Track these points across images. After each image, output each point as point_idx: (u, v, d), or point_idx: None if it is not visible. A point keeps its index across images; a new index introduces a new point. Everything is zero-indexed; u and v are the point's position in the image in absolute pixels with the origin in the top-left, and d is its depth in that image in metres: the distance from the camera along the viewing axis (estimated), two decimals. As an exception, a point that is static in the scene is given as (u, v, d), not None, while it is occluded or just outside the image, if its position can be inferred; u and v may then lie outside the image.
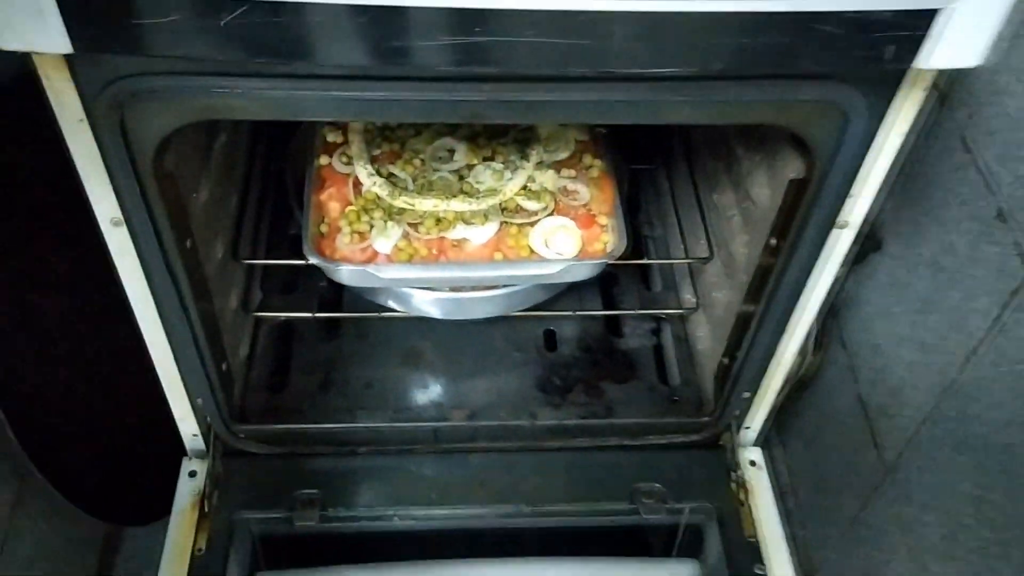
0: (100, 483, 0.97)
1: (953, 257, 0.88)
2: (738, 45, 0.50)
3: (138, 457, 1.00)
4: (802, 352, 1.10)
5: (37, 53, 0.51)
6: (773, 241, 0.73)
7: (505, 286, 0.86)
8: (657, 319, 1.00)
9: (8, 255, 0.87)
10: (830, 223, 0.69)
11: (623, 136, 0.96)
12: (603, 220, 0.84)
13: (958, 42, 0.51)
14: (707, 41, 0.49)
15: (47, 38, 0.48)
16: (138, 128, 0.58)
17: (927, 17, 0.50)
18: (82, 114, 0.57)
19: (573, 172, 0.87)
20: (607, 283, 1.03)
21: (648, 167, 1.04)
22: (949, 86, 0.88)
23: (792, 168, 0.68)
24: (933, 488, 0.93)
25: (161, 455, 0.93)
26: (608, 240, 0.83)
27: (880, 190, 0.67)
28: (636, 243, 1.05)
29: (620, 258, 0.82)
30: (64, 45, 0.48)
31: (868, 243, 1.04)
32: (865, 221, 1.03)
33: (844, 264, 1.05)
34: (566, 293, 0.98)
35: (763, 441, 0.99)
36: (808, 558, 1.25)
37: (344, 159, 0.87)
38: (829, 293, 0.78)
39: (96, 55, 0.52)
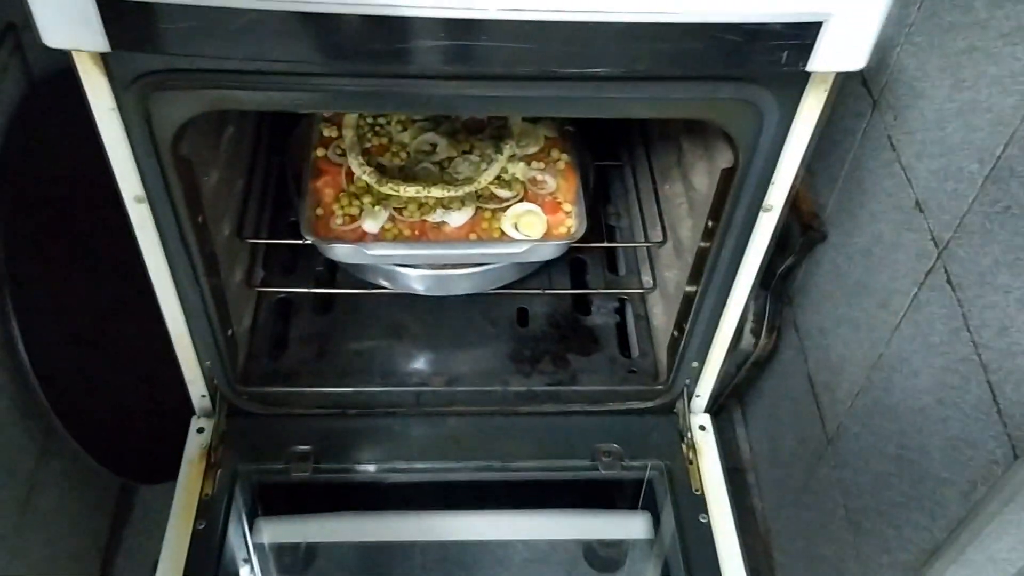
0: (118, 442, 1.08)
1: (881, 244, 0.99)
2: (656, 50, 0.60)
3: (152, 418, 1.11)
4: (754, 333, 1.21)
5: (78, 51, 0.62)
6: (710, 224, 0.83)
7: (480, 265, 0.97)
8: (620, 299, 1.10)
9: (42, 236, 0.98)
10: (756, 207, 0.79)
11: (592, 135, 1.06)
12: (567, 207, 0.95)
13: (841, 49, 0.62)
14: (629, 46, 0.60)
15: (89, 38, 0.58)
16: (160, 116, 0.68)
17: (813, 28, 0.61)
18: (113, 104, 0.67)
19: (542, 164, 0.98)
20: (578, 268, 1.13)
21: (617, 164, 1.15)
22: (880, 92, 0.99)
23: (724, 159, 0.78)
24: (865, 452, 1.03)
25: (173, 418, 1.03)
26: (571, 224, 0.94)
27: (795, 178, 0.77)
28: (608, 232, 1.16)
29: (581, 241, 0.93)
30: (103, 44, 0.59)
31: (816, 235, 1.14)
32: (811, 214, 1.14)
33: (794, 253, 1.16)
34: (538, 275, 1.08)
35: (713, 408, 1.09)
36: (767, 529, 1.35)
37: (338, 151, 0.98)
38: (760, 270, 0.88)
39: (128, 53, 0.62)
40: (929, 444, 0.88)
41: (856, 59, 0.63)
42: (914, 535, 0.91)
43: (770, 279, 1.17)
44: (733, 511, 0.98)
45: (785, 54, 0.62)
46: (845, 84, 1.04)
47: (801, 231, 1.13)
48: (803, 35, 0.61)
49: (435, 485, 1.00)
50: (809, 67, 0.63)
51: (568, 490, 1.02)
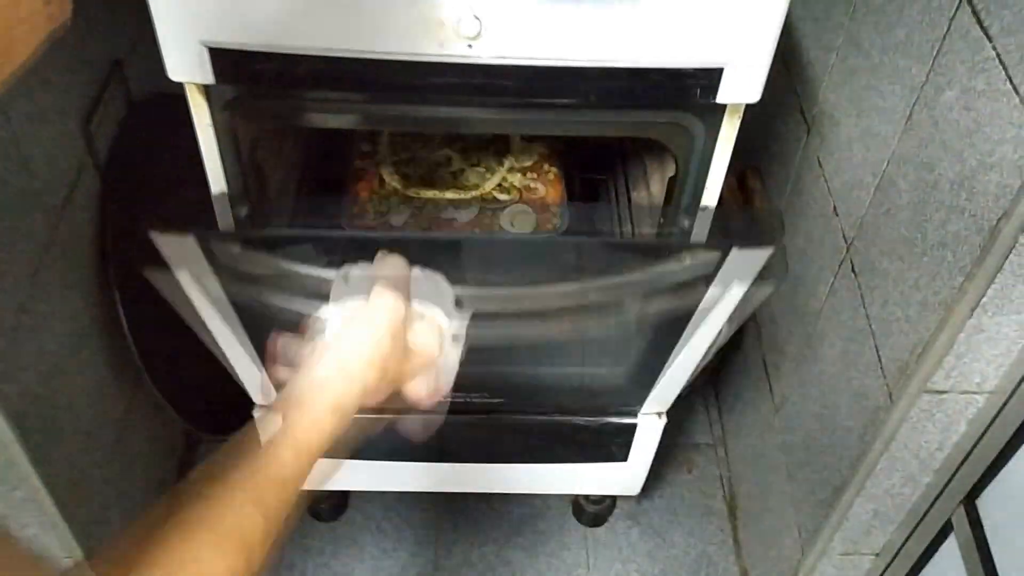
0: (192, 397, 1.31)
1: (811, 243, 1.20)
2: (604, 86, 0.84)
3: (220, 378, 1.34)
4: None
5: (191, 83, 0.86)
6: (661, 220, 1.05)
7: (485, 255, 1.20)
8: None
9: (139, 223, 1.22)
10: (695, 207, 1.01)
11: (581, 154, 1.29)
12: (554, 209, 1.18)
13: (739, 87, 0.84)
14: (583, 84, 0.83)
15: (200, 74, 0.82)
16: (242, 131, 0.92)
17: (717, 72, 0.83)
18: (210, 121, 0.91)
19: (535, 175, 1.21)
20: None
21: (601, 177, 1.38)
22: (812, 120, 1.21)
23: (670, 169, 1.01)
24: (799, 415, 1.24)
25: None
26: (556, 223, 1.17)
27: (723, 184, 0.99)
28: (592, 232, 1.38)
29: (564, 235, 1.16)
30: (210, 79, 0.83)
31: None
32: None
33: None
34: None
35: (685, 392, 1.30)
36: (732, 493, 1.56)
37: (372, 163, 1.22)
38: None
39: (225, 85, 0.86)
40: (839, 401, 1.09)
41: (752, 94, 0.85)
42: (828, 476, 1.12)
43: (731, 276, 1.39)
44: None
45: (698, 90, 0.84)
46: (790, 113, 1.28)
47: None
48: (710, 76, 0.83)
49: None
50: (718, 100, 0.85)
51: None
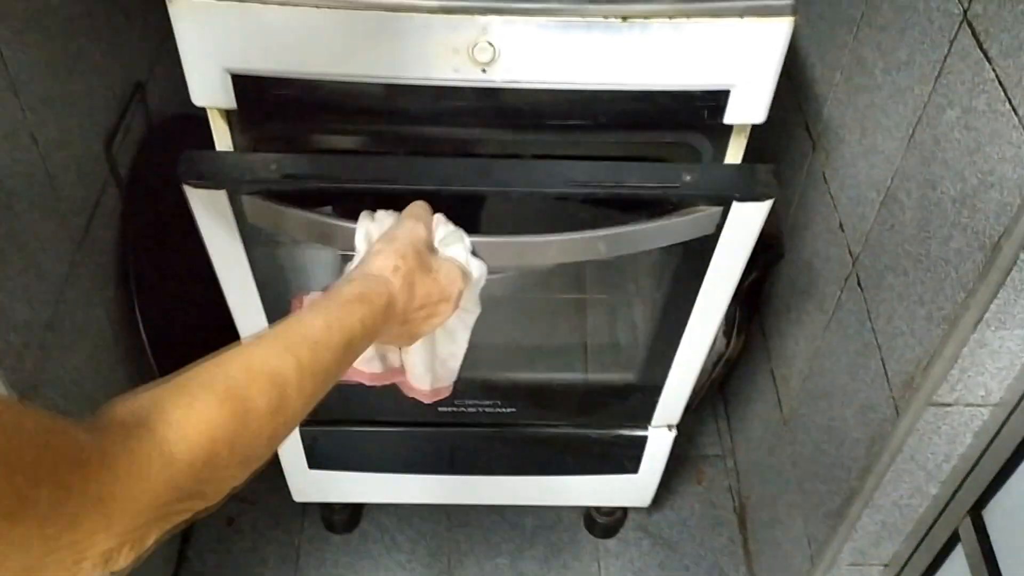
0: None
1: (818, 257, 1.22)
2: (609, 107, 0.86)
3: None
4: (726, 335, 1.44)
5: (214, 108, 0.89)
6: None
7: (495, 273, 1.22)
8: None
9: (160, 237, 1.25)
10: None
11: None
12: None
13: (745, 108, 0.87)
14: (593, 106, 0.86)
15: (224, 100, 0.85)
16: (259, 151, 0.95)
17: (724, 94, 0.86)
18: (230, 143, 0.94)
19: (546, 192, 1.24)
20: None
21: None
22: (817, 137, 1.23)
23: (680, 185, 1.03)
24: (808, 428, 1.25)
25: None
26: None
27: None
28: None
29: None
30: (232, 104, 0.86)
31: (774, 253, 1.38)
32: (771, 235, 1.38)
33: (758, 268, 1.40)
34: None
35: (692, 405, 1.33)
36: (741, 505, 1.58)
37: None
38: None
39: (246, 111, 0.89)
40: (847, 413, 1.11)
41: (757, 115, 0.87)
42: (837, 487, 1.13)
43: (738, 291, 1.41)
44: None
45: (706, 112, 0.87)
46: (795, 130, 1.30)
47: (763, 251, 1.37)
48: (717, 99, 0.85)
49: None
50: (725, 120, 0.88)
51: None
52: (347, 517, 1.49)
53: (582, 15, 0.78)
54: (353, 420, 1.27)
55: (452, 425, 1.28)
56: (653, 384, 1.20)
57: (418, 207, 0.82)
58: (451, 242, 0.81)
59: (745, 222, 0.94)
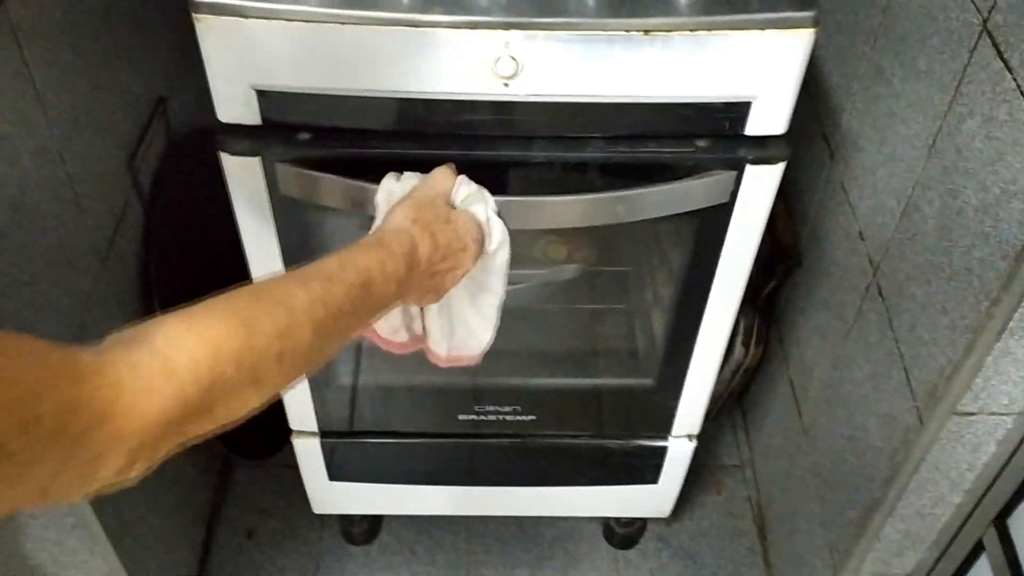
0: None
1: (837, 266, 1.22)
2: (630, 119, 0.87)
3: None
4: (744, 345, 1.44)
5: (240, 124, 0.89)
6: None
7: (515, 284, 1.22)
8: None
9: (181, 249, 1.26)
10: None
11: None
12: (584, 239, 1.21)
13: (766, 120, 0.87)
14: (615, 118, 0.86)
15: (249, 116, 0.86)
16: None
17: (745, 106, 0.86)
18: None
19: (565, 204, 1.24)
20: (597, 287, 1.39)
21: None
22: (835, 146, 1.24)
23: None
24: (828, 437, 1.25)
25: (276, 403, 1.29)
26: (587, 253, 1.20)
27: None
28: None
29: (593, 265, 1.19)
30: (257, 119, 0.87)
31: (793, 262, 1.38)
32: (789, 244, 1.38)
33: (776, 277, 1.40)
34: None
35: (712, 414, 1.33)
36: (760, 515, 1.57)
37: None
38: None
39: (270, 125, 0.90)
40: (868, 422, 1.11)
41: (778, 126, 0.88)
42: (859, 497, 1.13)
43: (757, 300, 1.41)
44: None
45: (727, 123, 0.87)
46: (813, 139, 1.30)
47: (781, 259, 1.37)
48: (738, 110, 0.86)
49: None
50: (746, 132, 0.88)
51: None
52: (366, 529, 1.50)
53: (604, 29, 0.79)
54: (373, 431, 1.28)
55: (472, 436, 1.28)
56: (672, 385, 1.20)
57: (443, 169, 0.84)
58: (473, 202, 0.83)
59: (759, 188, 0.93)
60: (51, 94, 0.92)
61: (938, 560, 1.09)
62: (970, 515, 1.02)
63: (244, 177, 0.91)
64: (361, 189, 0.88)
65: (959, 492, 1.01)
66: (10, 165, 0.85)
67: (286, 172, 0.90)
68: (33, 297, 0.90)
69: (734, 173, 0.91)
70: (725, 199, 0.94)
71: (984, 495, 0.99)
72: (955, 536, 1.05)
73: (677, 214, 0.95)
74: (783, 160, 0.90)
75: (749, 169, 0.90)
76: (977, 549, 1.03)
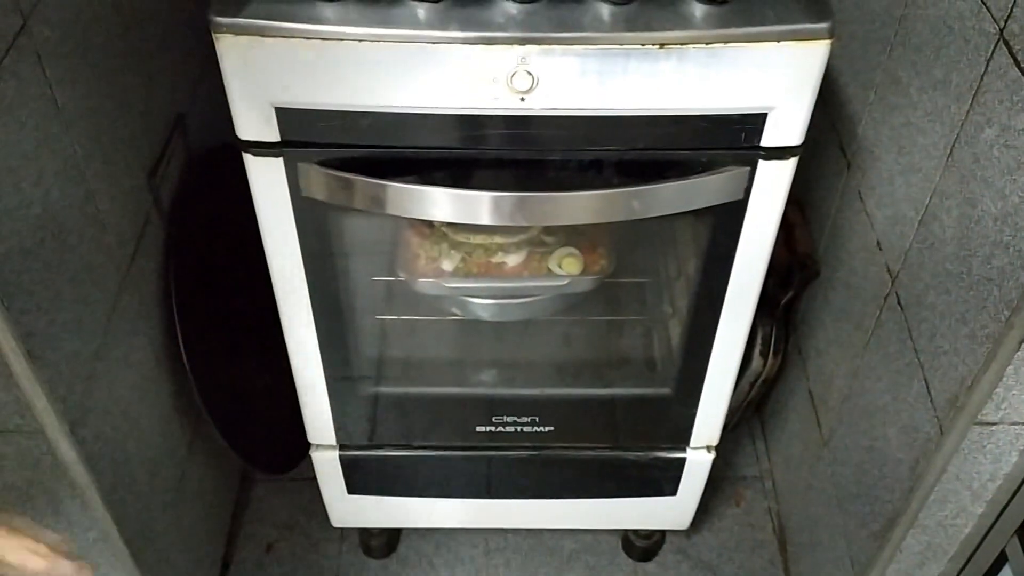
0: (251, 437, 1.35)
1: (855, 276, 1.22)
2: (645, 132, 0.87)
3: (279, 420, 1.38)
4: (763, 355, 1.44)
5: (260, 141, 0.90)
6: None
7: (532, 296, 1.23)
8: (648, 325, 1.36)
9: (203, 266, 1.27)
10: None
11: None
12: (600, 250, 1.21)
13: (782, 130, 0.87)
14: (630, 131, 0.87)
15: (269, 134, 0.87)
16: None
17: (760, 117, 0.86)
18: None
19: (582, 217, 1.25)
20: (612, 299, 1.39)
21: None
22: (852, 156, 1.23)
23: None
24: (848, 448, 1.25)
25: (294, 419, 1.29)
26: (603, 264, 1.20)
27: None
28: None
29: (611, 277, 1.19)
30: (276, 137, 0.88)
31: (810, 272, 1.37)
32: (806, 255, 1.37)
33: (794, 287, 1.40)
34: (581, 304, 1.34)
35: (730, 425, 1.32)
36: (781, 526, 1.56)
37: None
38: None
39: (288, 142, 0.91)
40: (889, 433, 1.10)
41: (794, 137, 0.88)
42: (880, 508, 1.12)
43: (775, 310, 1.41)
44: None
45: (743, 135, 0.88)
46: (829, 148, 1.30)
47: (799, 269, 1.37)
48: (754, 122, 0.86)
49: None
50: (762, 144, 0.88)
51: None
52: (385, 542, 1.50)
53: (620, 43, 0.79)
54: (392, 444, 1.28)
55: (490, 448, 1.28)
56: (689, 395, 1.20)
57: None
58: None
59: (772, 184, 0.93)
60: (73, 113, 0.93)
61: (960, 572, 1.08)
62: (992, 526, 1.01)
63: (267, 177, 0.92)
64: (382, 189, 0.89)
65: (981, 503, 1.00)
66: (35, 184, 0.86)
67: (308, 172, 0.91)
68: (57, 313, 0.91)
69: (747, 169, 0.91)
70: (740, 196, 0.94)
71: (1007, 506, 0.98)
72: (977, 547, 1.04)
73: (691, 214, 0.96)
74: (795, 155, 0.90)
75: (762, 164, 0.91)
76: (1000, 560, 1.02)
